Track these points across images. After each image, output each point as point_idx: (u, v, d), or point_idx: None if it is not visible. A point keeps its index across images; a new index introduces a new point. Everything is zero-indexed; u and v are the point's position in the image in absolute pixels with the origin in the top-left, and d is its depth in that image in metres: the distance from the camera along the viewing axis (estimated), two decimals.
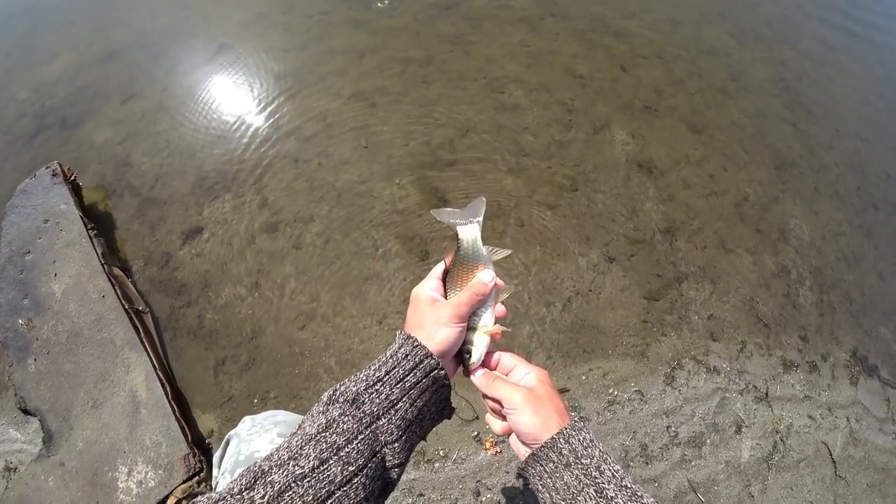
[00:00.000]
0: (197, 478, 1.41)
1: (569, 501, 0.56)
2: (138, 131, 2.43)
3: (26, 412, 1.57)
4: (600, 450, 0.57)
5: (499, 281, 0.70)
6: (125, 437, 1.46)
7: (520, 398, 0.62)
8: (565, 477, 0.56)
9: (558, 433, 0.58)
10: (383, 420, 0.57)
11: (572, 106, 2.39)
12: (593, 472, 0.55)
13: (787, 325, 1.93)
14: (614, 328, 1.76)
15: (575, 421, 0.60)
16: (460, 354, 0.69)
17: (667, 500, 1.49)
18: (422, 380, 0.60)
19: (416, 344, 0.62)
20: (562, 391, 1.61)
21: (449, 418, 0.69)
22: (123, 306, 1.67)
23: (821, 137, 2.67)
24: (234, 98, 2.52)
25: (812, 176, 2.46)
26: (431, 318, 0.65)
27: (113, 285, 1.71)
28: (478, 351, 0.68)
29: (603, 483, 0.54)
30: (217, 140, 2.31)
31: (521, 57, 2.61)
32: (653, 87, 2.58)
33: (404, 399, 0.59)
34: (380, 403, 0.57)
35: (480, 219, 0.70)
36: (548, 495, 0.59)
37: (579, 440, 0.57)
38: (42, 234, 1.84)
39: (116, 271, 1.80)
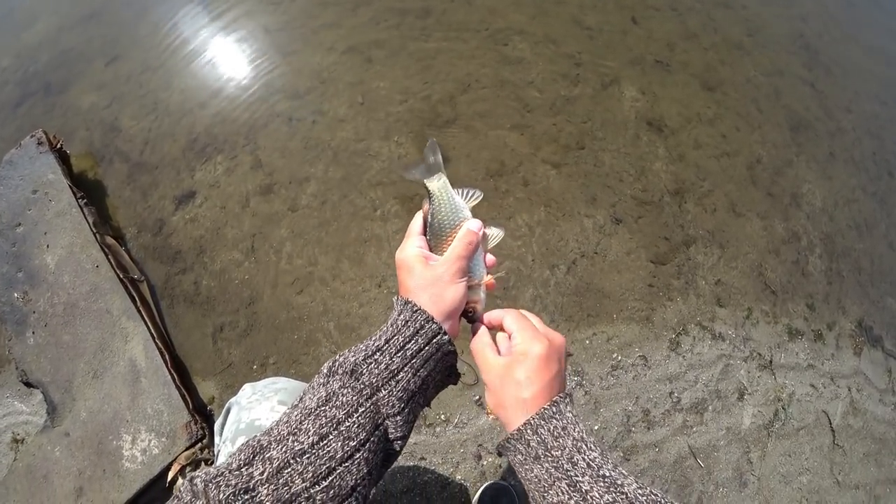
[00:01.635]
0: (199, 444, 1.41)
1: (541, 493, 0.51)
2: (124, 94, 2.31)
3: (28, 385, 1.57)
4: (574, 438, 0.51)
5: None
6: (127, 406, 1.46)
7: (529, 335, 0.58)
8: (535, 470, 0.52)
9: (525, 424, 0.53)
10: (384, 392, 0.53)
11: (580, 60, 2.25)
12: (565, 465, 0.50)
13: (794, 293, 1.88)
14: (619, 292, 1.71)
15: (544, 408, 0.53)
16: (463, 314, 0.64)
17: (667, 465, 1.48)
18: (424, 347, 0.56)
19: (415, 309, 0.57)
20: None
21: (455, 384, 0.65)
22: (118, 275, 1.64)
23: (839, 99, 2.56)
24: (222, 56, 2.38)
25: (828, 139, 2.36)
26: (431, 279, 0.60)
27: (106, 255, 1.68)
28: (482, 304, 0.65)
29: (576, 475, 0.49)
30: (207, 100, 2.20)
31: (525, 7, 2.44)
32: (665, 41, 2.43)
33: (406, 369, 0.54)
34: (379, 374, 0.53)
35: (442, 167, 0.65)
36: (524, 483, 0.55)
37: (549, 430, 0.52)
38: (32, 206, 1.79)
39: (109, 240, 1.75)
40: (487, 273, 0.66)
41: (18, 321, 1.62)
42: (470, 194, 0.66)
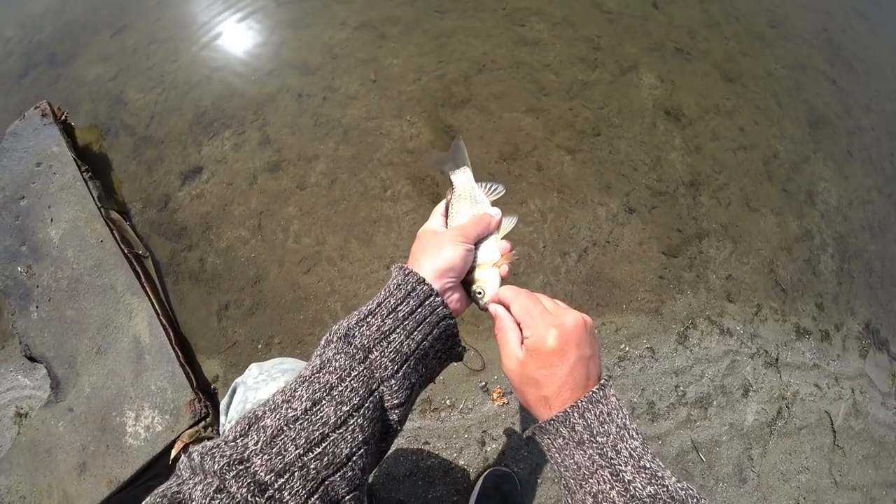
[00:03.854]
0: (203, 423, 1.40)
1: (579, 481, 0.49)
2: (131, 66, 2.25)
3: (32, 359, 1.56)
4: (618, 424, 0.49)
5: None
6: (131, 382, 1.45)
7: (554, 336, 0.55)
8: (576, 456, 0.49)
9: (572, 406, 0.50)
10: (375, 353, 0.51)
11: (598, 44, 2.19)
12: (609, 452, 0.48)
13: (804, 292, 1.86)
14: (630, 282, 1.69)
15: (594, 391, 0.51)
16: (471, 295, 0.64)
17: (669, 458, 1.48)
18: (416, 309, 0.54)
19: (408, 272, 0.56)
20: None
21: (460, 360, 0.62)
22: (123, 251, 1.62)
23: (859, 96, 2.50)
24: (231, 29, 2.31)
25: (846, 137, 2.32)
26: (434, 244, 0.60)
27: (111, 229, 1.65)
28: (492, 284, 0.63)
29: (619, 464, 0.47)
30: (214, 73, 2.14)
31: None
32: (686, 28, 2.36)
33: (398, 330, 0.53)
34: (370, 336, 0.52)
35: (468, 162, 0.70)
36: (556, 468, 0.53)
37: (595, 414, 0.50)
38: (35, 179, 1.75)
39: (114, 215, 1.72)
40: (501, 260, 0.66)
41: (22, 295, 1.60)
42: (492, 188, 0.69)
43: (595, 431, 0.49)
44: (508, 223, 0.68)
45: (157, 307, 1.54)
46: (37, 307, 1.58)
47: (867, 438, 1.73)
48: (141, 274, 1.60)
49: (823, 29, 2.68)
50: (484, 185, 0.69)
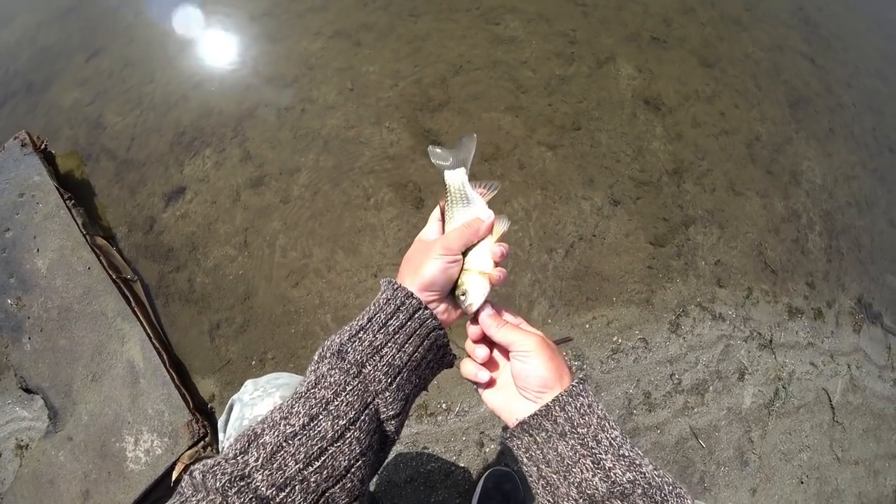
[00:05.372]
0: (202, 443, 1.40)
1: (562, 473, 0.51)
2: (107, 90, 2.24)
3: (28, 391, 1.56)
4: (598, 415, 0.52)
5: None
6: (128, 407, 1.45)
7: (534, 343, 0.57)
8: (559, 447, 0.52)
9: (553, 401, 0.53)
10: (368, 367, 0.53)
11: (574, 37, 2.20)
12: (590, 442, 0.51)
13: (794, 272, 1.87)
14: (619, 274, 1.69)
15: (573, 385, 0.54)
16: (456, 300, 0.63)
17: (668, 447, 1.48)
18: (406, 322, 0.56)
19: (396, 287, 0.58)
20: (565, 340, 1.56)
21: (451, 367, 0.64)
22: (111, 276, 1.61)
23: (839, 74, 2.52)
24: (206, 46, 2.31)
25: (828, 115, 2.33)
26: (420, 254, 0.61)
27: (97, 256, 1.64)
28: (475, 292, 0.62)
29: (600, 453, 0.50)
30: (191, 92, 2.13)
31: None
32: (661, 17, 2.37)
33: (389, 344, 0.55)
34: (363, 351, 0.54)
35: (468, 162, 0.67)
36: (535, 468, 0.54)
37: (576, 407, 0.52)
38: (19, 210, 1.75)
39: (100, 241, 1.72)
40: (495, 266, 0.64)
41: (14, 328, 1.60)
42: (488, 186, 0.67)
43: (576, 423, 0.51)
44: (501, 226, 0.65)
45: (149, 330, 1.54)
46: (29, 338, 1.58)
47: (866, 412, 1.74)
48: (131, 298, 1.59)
49: (799, 8, 2.70)
50: (478, 183, 0.67)
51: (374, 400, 0.53)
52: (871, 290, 1.98)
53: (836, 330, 1.84)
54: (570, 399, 0.53)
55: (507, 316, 0.64)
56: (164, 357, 1.50)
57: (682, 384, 1.57)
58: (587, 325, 1.61)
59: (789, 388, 1.67)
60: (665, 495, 0.47)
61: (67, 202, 1.74)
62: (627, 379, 1.54)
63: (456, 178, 0.66)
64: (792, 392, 1.66)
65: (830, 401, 1.71)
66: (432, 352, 0.60)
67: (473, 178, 0.67)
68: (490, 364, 0.64)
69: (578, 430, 0.51)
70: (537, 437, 0.54)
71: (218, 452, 1.31)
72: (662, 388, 1.55)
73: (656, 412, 1.52)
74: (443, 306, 0.62)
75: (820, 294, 1.87)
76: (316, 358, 0.55)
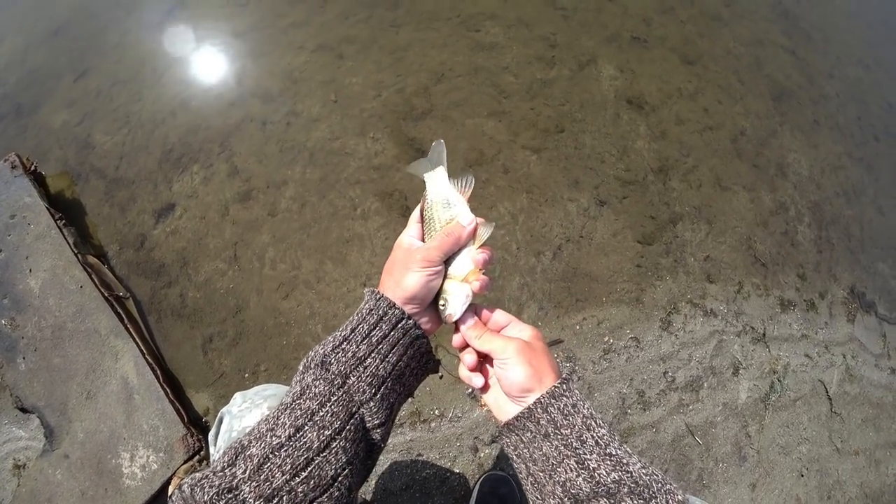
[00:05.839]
0: (197, 457, 1.41)
1: (548, 473, 0.52)
2: (96, 109, 2.26)
3: (24, 410, 1.56)
4: (583, 415, 0.52)
5: (479, 219, 0.63)
6: (123, 424, 1.46)
7: (513, 349, 0.57)
8: (544, 447, 0.52)
9: (535, 402, 0.53)
10: (353, 378, 0.54)
11: (554, 41, 2.22)
12: (574, 443, 0.51)
13: (784, 264, 1.87)
14: (608, 275, 1.69)
15: (554, 386, 0.54)
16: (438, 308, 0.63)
17: (665, 445, 1.47)
18: (389, 333, 0.56)
19: (379, 297, 0.58)
20: (556, 342, 1.56)
21: (435, 372, 0.64)
22: (103, 294, 1.63)
23: (821, 65, 2.53)
24: (191, 62, 2.33)
25: (811, 107, 2.34)
26: (401, 265, 0.60)
27: (89, 274, 1.66)
28: (455, 301, 0.61)
29: (584, 453, 0.50)
30: (178, 109, 2.15)
31: None
32: (641, 17, 2.39)
33: (373, 355, 0.55)
34: (346, 362, 0.54)
35: (444, 162, 0.65)
36: (523, 466, 0.55)
37: (558, 408, 0.53)
38: (11, 231, 1.76)
39: (91, 259, 1.73)
40: (480, 271, 0.62)
41: (8, 348, 1.61)
42: (464, 182, 0.65)
43: (559, 424, 0.52)
44: (485, 231, 0.63)
45: (142, 347, 1.55)
46: (24, 358, 1.59)
47: (864, 402, 1.74)
48: (123, 315, 1.61)
49: (778, 2, 2.72)
50: (456, 181, 0.64)
51: (359, 409, 0.53)
52: (863, 279, 1.98)
53: (829, 320, 1.83)
54: (553, 400, 0.53)
55: (498, 315, 0.64)
56: (158, 372, 1.51)
57: (676, 382, 1.56)
58: (578, 327, 1.61)
59: (785, 380, 1.66)
60: (653, 493, 0.47)
61: (58, 222, 1.75)
62: (620, 378, 1.54)
63: (436, 178, 0.64)
64: (788, 385, 1.66)
65: (827, 392, 1.70)
66: (416, 359, 0.60)
67: (450, 176, 0.65)
68: (483, 367, 0.64)
69: (562, 430, 0.51)
70: (523, 437, 0.55)
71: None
72: (656, 386, 1.55)
73: (651, 411, 1.51)
74: (426, 316, 0.62)
75: (812, 285, 1.87)
76: (301, 368, 0.55)
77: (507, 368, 0.56)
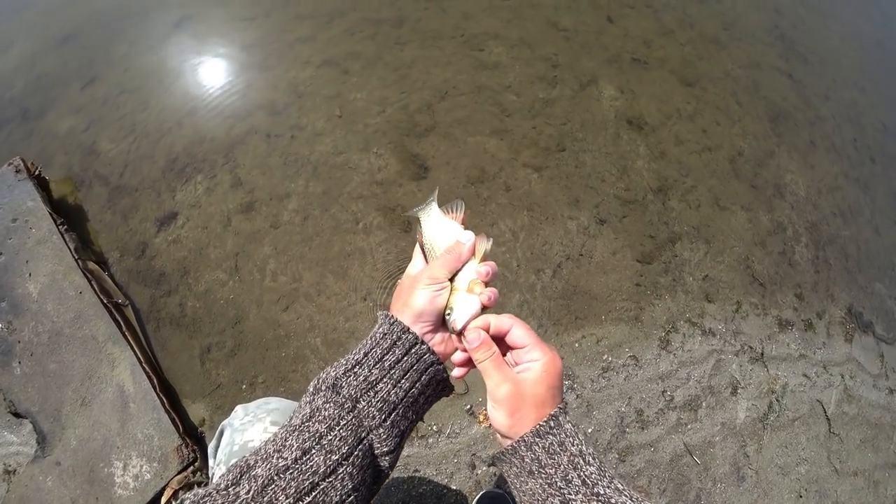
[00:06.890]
0: (191, 468, 1.39)
1: (538, 502, 0.51)
2: (102, 117, 2.28)
3: (17, 415, 1.55)
4: (571, 453, 0.51)
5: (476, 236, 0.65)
6: (117, 432, 1.44)
7: (503, 393, 0.54)
8: (529, 483, 0.52)
9: (519, 440, 0.52)
10: (363, 403, 0.53)
11: (556, 61, 2.26)
12: (558, 483, 0.49)
13: (782, 284, 1.89)
14: (607, 293, 1.70)
15: (539, 425, 0.52)
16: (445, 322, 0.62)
17: (663, 465, 1.47)
18: (402, 357, 0.56)
19: (393, 321, 0.57)
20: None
21: (448, 396, 0.63)
22: (102, 301, 1.62)
23: (817, 88, 2.58)
24: (198, 74, 2.36)
25: (808, 128, 2.38)
26: (406, 291, 0.60)
27: (89, 280, 1.65)
28: (461, 310, 0.60)
29: (569, 494, 0.49)
30: (184, 119, 2.17)
31: (500, 11, 2.45)
32: (641, 39, 2.44)
33: (385, 380, 0.54)
34: (357, 386, 0.53)
35: (435, 196, 0.69)
36: (516, 494, 0.55)
37: (543, 447, 0.51)
38: (12, 235, 1.76)
39: (92, 265, 1.73)
40: (487, 285, 0.63)
41: (4, 351, 1.59)
42: (455, 207, 0.67)
43: (543, 463, 0.51)
44: (483, 245, 0.64)
45: (139, 355, 1.54)
46: (19, 362, 1.58)
47: (863, 422, 1.74)
48: (121, 323, 1.60)
49: (775, 26, 2.78)
50: (446, 208, 0.67)
51: (368, 435, 0.53)
52: (860, 299, 1.99)
53: (827, 340, 1.84)
54: (537, 439, 0.52)
55: (517, 333, 0.59)
56: (155, 381, 1.50)
57: (675, 400, 1.56)
58: (577, 345, 1.61)
59: (783, 400, 1.66)
60: None
61: (60, 227, 1.75)
62: (619, 397, 1.54)
63: (428, 209, 0.67)
64: (786, 405, 1.66)
65: (826, 412, 1.70)
66: (431, 386, 0.59)
67: (441, 202, 0.68)
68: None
69: (546, 469, 0.50)
70: (510, 471, 0.55)
71: (207, 478, 1.30)
72: (654, 405, 1.55)
73: (649, 430, 1.51)
74: (438, 336, 0.62)
75: (809, 305, 1.88)
76: (311, 389, 0.55)
77: (494, 409, 0.56)
